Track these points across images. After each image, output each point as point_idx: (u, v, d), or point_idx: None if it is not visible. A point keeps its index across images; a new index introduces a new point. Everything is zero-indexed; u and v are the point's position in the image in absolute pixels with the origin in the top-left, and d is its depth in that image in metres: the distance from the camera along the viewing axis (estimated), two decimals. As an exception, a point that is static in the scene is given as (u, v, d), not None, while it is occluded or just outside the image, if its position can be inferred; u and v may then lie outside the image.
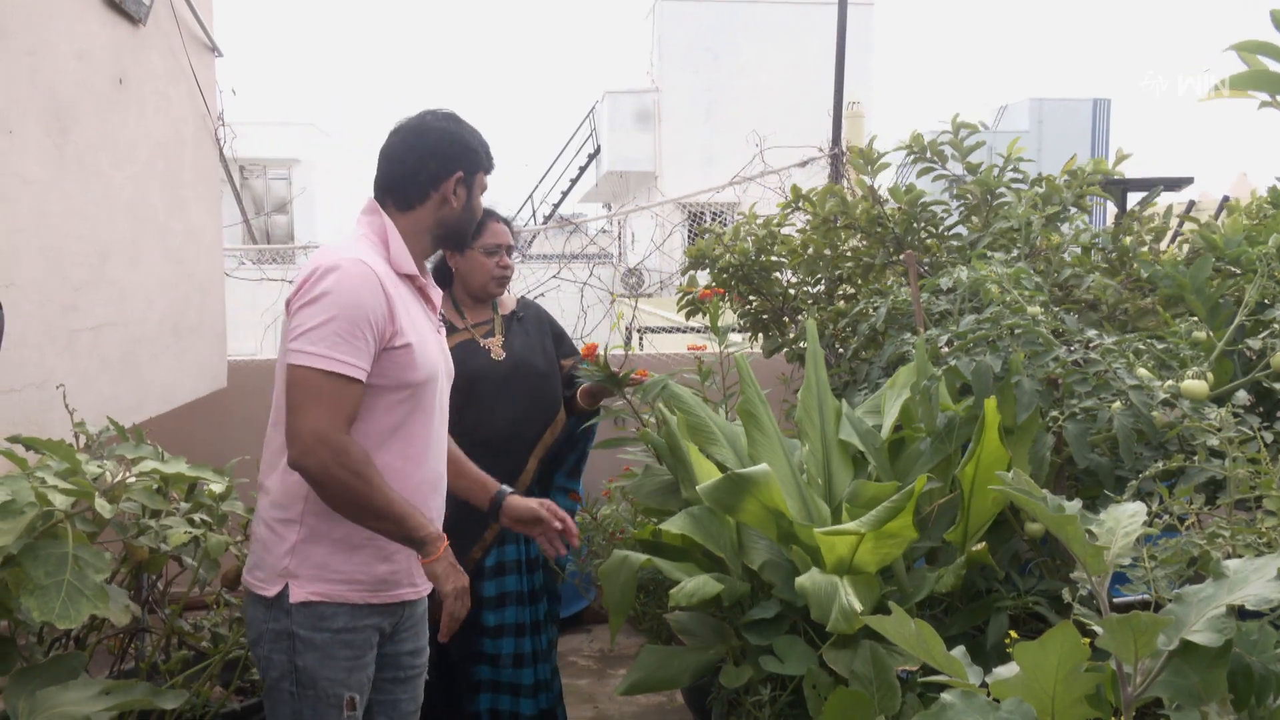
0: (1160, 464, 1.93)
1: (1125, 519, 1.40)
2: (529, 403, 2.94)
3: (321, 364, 1.81)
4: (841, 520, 2.43)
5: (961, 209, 3.71)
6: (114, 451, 1.91)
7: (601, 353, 2.98)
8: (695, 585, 2.29)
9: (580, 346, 3.25)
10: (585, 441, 3.11)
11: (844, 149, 5.52)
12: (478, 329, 2.98)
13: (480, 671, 2.93)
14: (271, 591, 1.89)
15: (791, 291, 4.11)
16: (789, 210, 3.97)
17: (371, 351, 1.86)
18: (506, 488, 2.28)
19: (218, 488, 2.19)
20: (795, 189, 3.97)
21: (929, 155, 3.65)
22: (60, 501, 1.64)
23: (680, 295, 4.08)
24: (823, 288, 4.09)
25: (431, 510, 2.05)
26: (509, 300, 3.13)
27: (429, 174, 2.03)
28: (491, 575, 2.91)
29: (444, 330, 2.12)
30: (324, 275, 1.84)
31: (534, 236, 7.41)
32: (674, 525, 2.49)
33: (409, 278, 2.01)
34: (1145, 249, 3.40)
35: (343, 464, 1.84)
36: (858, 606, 2.04)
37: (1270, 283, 2.41)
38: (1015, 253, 3.18)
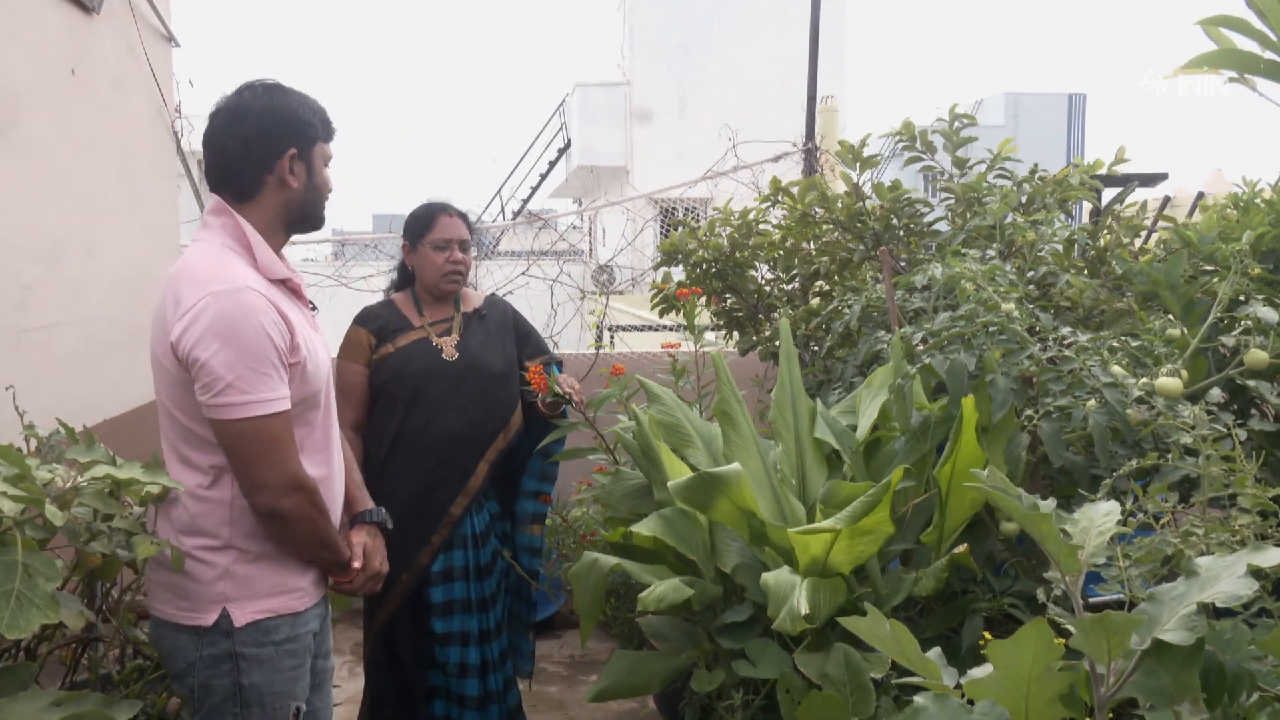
0: (1135, 462, 1.96)
1: (1099, 518, 1.42)
2: (481, 405, 2.91)
3: (260, 410, 1.79)
4: (816, 520, 2.44)
5: (945, 203, 3.73)
6: (64, 455, 1.88)
7: (553, 372, 2.92)
8: (664, 590, 2.29)
9: (550, 345, 3.24)
10: (554, 447, 3.09)
11: (818, 144, 5.55)
12: (435, 327, 2.95)
13: (434, 678, 2.93)
14: (207, 620, 1.86)
15: (767, 289, 4.12)
16: (768, 204, 3.98)
17: (285, 377, 1.85)
18: (377, 512, 2.22)
19: (156, 489, 2.15)
20: (775, 181, 3.97)
21: (918, 145, 3.67)
22: (9, 508, 1.62)
23: (653, 292, 4.09)
24: (797, 285, 4.11)
25: (339, 512, 2.08)
26: (475, 298, 3.11)
27: (258, 157, 1.91)
28: (439, 581, 2.89)
29: (317, 315, 2.10)
30: (214, 308, 1.77)
31: (502, 233, 7.38)
32: (645, 527, 2.49)
33: (280, 281, 1.94)
34: (1123, 247, 3.44)
35: (314, 503, 1.90)
36: (804, 610, 2.04)
37: (1244, 279, 2.45)
38: (992, 250, 3.21)
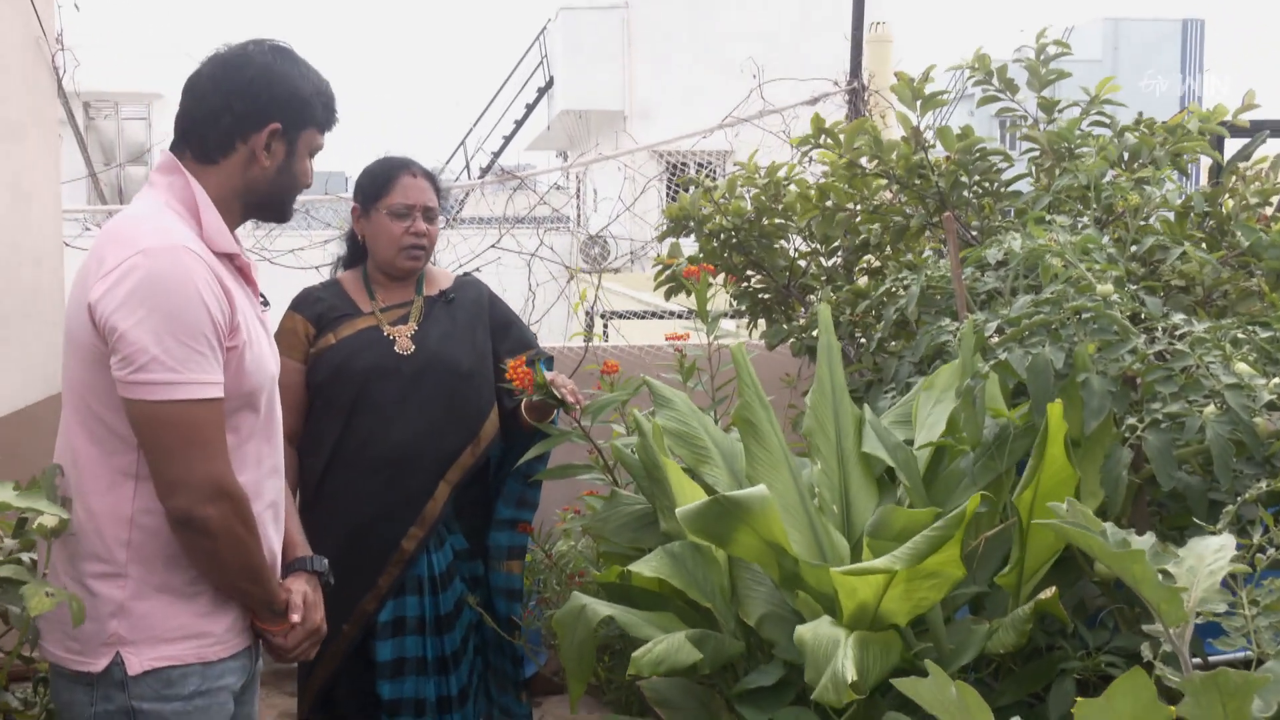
0: (1264, 484, 1.96)
1: (1210, 555, 1.43)
2: (442, 411, 2.92)
3: (187, 393, 1.84)
4: (863, 558, 2.45)
5: (1027, 155, 3.72)
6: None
7: (540, 368, 2.91)
8: (664, 649, 2.28)
9: (532, 335, 3.24)
10: (534, 465, 3.09)
11: (865, 83, 5.55)
12: (388, 314, 2.96)
13: None
14: (97, 666, 1.89)
15: (801, 264, 4.12)
16: (807, 148, 3.96)
17: (220, 359, 1.89)
18: (318, 561, 2.24)
19: (52, 520, 2.17)
20: (816, 119, 3.94)
21: (995, 82, 3.65)
22: None
23: (657, 269, 4.09)
24: (839, 260, 4.10)
25: (274, 546, 2.11)
26: (442, 277, 3.11)
27: (235, 119, 1.99)
28: (387, 634, 2.89)
29: (268, 313, 2.18)
30: (144, 268, 1.83)
31: (467, 194, 7.39)
32: (648, 566, 2.49)
33: (227, 256, 2.01)
34: (1250, 214, 3.43)
35: (242, 517, 1.93)
36: (851, 675, 2.04)
37: (1402, 254, 2.45)
38: (1085, 217, 3.21)
